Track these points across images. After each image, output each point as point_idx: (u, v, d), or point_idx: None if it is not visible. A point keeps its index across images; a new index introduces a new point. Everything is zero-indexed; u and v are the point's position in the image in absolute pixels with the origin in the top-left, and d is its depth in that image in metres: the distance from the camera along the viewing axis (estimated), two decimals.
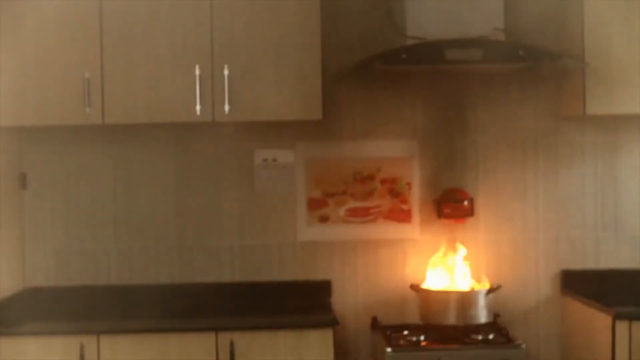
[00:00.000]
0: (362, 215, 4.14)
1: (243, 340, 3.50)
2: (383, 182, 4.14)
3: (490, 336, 3.74)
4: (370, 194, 4.14)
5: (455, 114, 4.15)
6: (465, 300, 3.81)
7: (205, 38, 3.68)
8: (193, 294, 4.06)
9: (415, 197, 4.15)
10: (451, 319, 3.77)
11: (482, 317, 3.80)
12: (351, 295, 4.12)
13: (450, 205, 4.02)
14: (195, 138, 4.10)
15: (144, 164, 4.10)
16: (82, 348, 3.45)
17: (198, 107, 3.66)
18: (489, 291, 3.83)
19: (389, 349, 3.63)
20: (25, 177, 4.08)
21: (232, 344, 3.49)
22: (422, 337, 3.74)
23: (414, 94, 4.14)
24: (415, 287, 3.94)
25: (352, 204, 4.14)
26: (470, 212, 4.05)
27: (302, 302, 3.99)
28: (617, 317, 3.58)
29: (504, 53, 3.68)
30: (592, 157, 4.18)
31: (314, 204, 4.13)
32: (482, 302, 3.80)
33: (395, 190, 4.14)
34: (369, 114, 4.13)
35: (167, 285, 4.09)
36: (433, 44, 3.65)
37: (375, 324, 4.03)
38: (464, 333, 3.75)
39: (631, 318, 3.57)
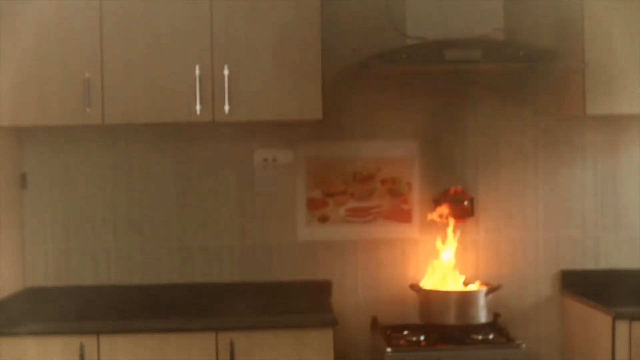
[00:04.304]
0: (362, 215, 4.14)
1: (243, 340, 3.50)
2: (383, 182, 4.14)
3: (490, 336, 3.75)
4: (370, 194, 4.14)
5: (455, 114, 4.15)
6: (465, 300, 3.81)
7: (205, 38, 3.68)
8: (193, 294, 4.06)
9: (415, 197, 4.15)
10: (451, 319, 3.77)
11: (482, 317, 3.80)
12: (351, 295, 4.12)
13: (450, 205, 4.02)
14: (195, 138, 4.10)
15: (144, 164, 4.10)
16: (82, 348, 3.46)
17: (198, 107, 3.66)
18: (489, 291, 3.83)
19: (389, 349, 3.63)
20: (25, 177, 4.08)
21: (232, 344, 3.49)
22: (422, 337, 3.74)
23: (414, 94, 4.13)
24: (415, 287, 3.94)
25: (352, 203, 4.14)
26: (470, 212, 4.05)
27: (302, 302, 3.99)
28: (617, 317, 3.58)
29: (504, 53, 3.68)
30: (592, 157, 4.18)
31: (314, 204, 4.13)
32: (482, 302, 3.80)
33: (395, 190, 4.14)
34: (369, 114, 4.13)
35: (167, 285, 4.09)
36: (433, 44, 3.65)
37: (375, 324, 4.03)
38: (464, 333, 3.75)
39: (631, 318, 3.58)
